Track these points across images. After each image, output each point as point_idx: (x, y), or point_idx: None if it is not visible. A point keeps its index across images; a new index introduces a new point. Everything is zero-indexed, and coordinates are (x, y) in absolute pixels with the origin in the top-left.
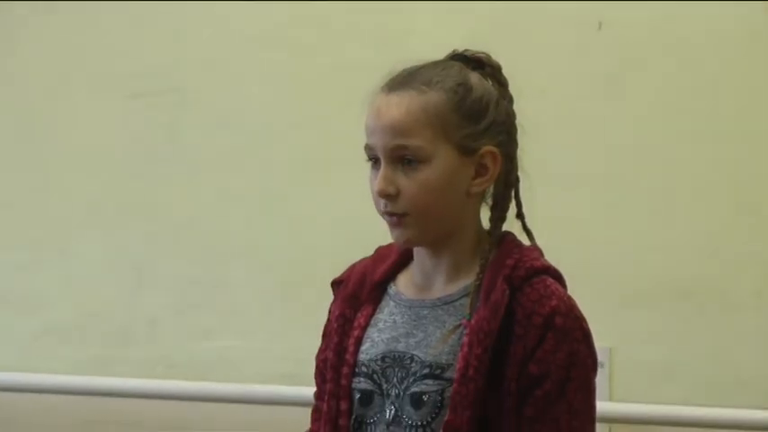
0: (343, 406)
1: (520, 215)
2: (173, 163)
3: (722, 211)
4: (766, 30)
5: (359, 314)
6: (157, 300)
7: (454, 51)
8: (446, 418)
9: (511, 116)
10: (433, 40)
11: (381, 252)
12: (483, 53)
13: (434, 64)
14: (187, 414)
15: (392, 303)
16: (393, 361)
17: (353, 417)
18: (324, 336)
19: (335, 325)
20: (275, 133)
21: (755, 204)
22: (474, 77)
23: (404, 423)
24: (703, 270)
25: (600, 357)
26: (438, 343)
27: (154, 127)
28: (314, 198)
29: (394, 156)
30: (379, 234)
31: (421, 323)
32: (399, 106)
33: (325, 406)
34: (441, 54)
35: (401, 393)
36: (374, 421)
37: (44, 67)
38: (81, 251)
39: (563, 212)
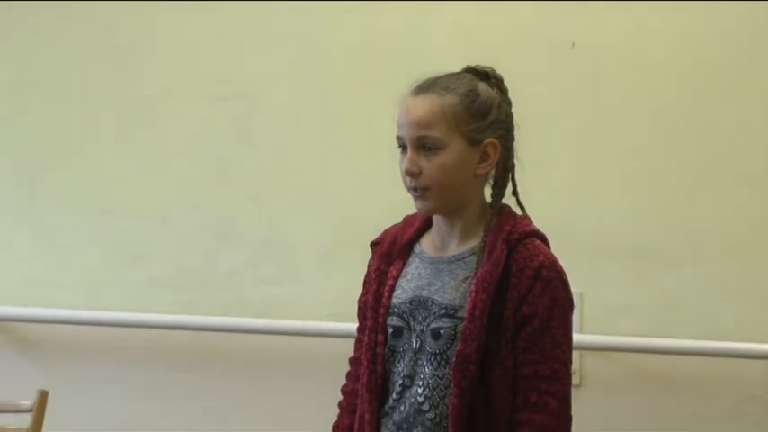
0: (380, 338)
1: (515, 193)
2: (248, 148)
3: (670, 188)
4: (712, 45)
5: (392, 268)
6: (235, 255)
7: (467, 66)
8: (458, 347)
9: (509, 116)
10: (446, 56)
11: (408, 220)
12: (489, 68)
13: (451, 74)
14: (256, 345)
15: (417, 260)
16: (418, 304)
17: (387, 346)
18: (364, 284)
19: (374, 276)
20: (328, 127)
21: (696, 185)
22: (481, 86)
23: (426, 351)
24: (655, 233)
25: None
26: (452, 290)
27: (235, 121)
28: (356, 178)
29: (418, 144)
30: (406, 206)
31: (439, 275)
32: (423, 106)
33: (365, 338)
34: (451, 66)
35: (424, 329)
36: (403, 350)
37: (155, 75)
38: (177, 218)
39: (548, 189)
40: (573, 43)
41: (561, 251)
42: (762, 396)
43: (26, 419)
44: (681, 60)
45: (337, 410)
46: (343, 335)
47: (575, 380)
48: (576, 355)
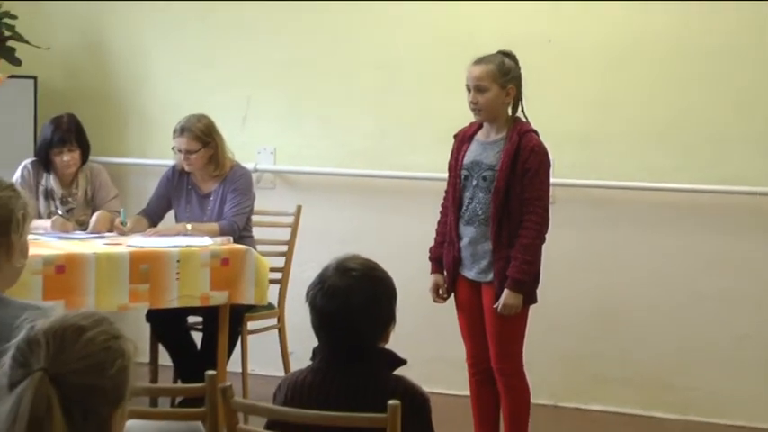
0: (457, 180)
1: (522, 111)
2: (393, 89)
3: (599, 108)
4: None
5: (463, 146)
6: (391, 141)
7: (499, 50)
8: (495, 184)
9: (519, 75)
10: (484, 43)
11: (472, 124)
12: (509, 50)
13: (491, 54)
14: (400, 185)
15: (475, 143)
16: (475, 164)
17: (462, 184)
18: (451, 155)
19: (455, 151)
20: (434, 78)
21: (608, 107)
22: (506, 59)
23: (480, 186)
24: (592, 129)
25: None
26: (492, 157)
27: (384, 81)
28: (451, 105)
29: (476, 88)
30: (470, 117)
31: (485, 150)
32: (478, 69)
33: (451, 180)
34: (490, 47)
35: (478, 176)
36: (468, 186)
37: (335, 52)
38: (362, 122)
39: (539, 109)
40: (549, 39)
41: (548, 138)
42: (649, 210)
43: (290, 219)
44: (627, 47)
45: (439, 216)
46: (443, 179)
47: (552, 200)
48: (553, 189)
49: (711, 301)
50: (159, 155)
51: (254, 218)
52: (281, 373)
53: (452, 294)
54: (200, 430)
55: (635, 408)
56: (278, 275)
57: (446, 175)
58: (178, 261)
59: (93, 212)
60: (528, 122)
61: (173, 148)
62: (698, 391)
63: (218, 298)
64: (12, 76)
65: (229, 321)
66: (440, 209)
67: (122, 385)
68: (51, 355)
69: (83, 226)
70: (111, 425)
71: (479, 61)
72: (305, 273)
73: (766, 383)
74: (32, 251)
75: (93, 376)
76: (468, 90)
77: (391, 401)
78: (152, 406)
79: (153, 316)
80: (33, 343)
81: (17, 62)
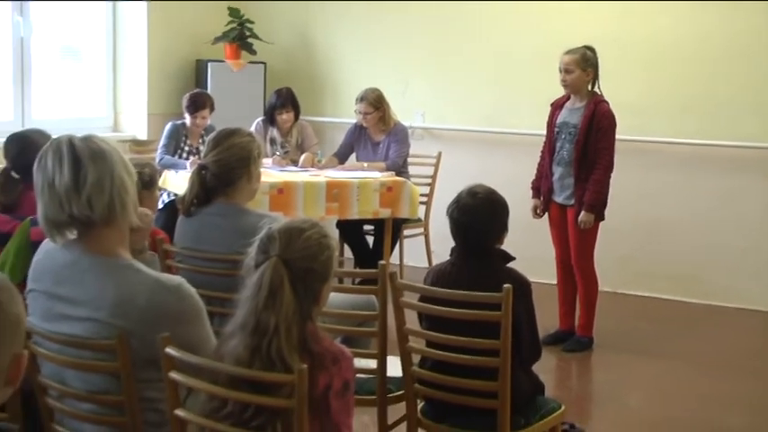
0: (552, 134)
1: (599, 87)
2: (504, 75)
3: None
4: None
5: (556, 112)
6: (494, 105)
7: (583, 45)
8: (577, 137)
9: (597, 62)
10: (568, 40)
11: (563, 96)
12: (589, 45)
13: (579, 47)
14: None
15: (564, 109)
16: (564, 124)
17: (555, 138)
18: (548, 117)
19: (551, 114)
20: (540, 65)
21: (650, 86)
22: (588, 51)
23: (567, 140)
24: (643, 103)
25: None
26: (576, 119)
27: (500, 65)
28: (550, 85)
29: (565, 70)
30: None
31: (571, 114)
32: (568, 57)
33: (548, 134)
34: (574, 43)
35: (566, 132)
36: (559, 138)
37: (465, 45)
38: (479, 94)
39: (609, 86)
40: (615, 39)
41: (614, 107)
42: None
43: (434, 161)
44: (657, 47)
45: (539, 159)
46: (538, 135)
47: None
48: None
49: (725, 221)
50: (346, 115)
51: (410, 159)
52: (426, 265)
53: (546, 213)
54: (374, 301)
55: (671, 295)
56: (425, 199)
57: (541, 132)
58: (358, 187)
59: (301, 154)
60: (602, 95)
61: (355, 111)
62: (716, 283)
63: (385, 213)
64: (250, 62)
65: (392, 229)
66: (539, 154)
67: (328, 268)
68: (283, 246)
69: (294, 163)
70: (321, 295)
71: (569, 51)
72: (443, 197)
73: (761, 279)
74: (262, 179)
75: (310, 261)
76: (560, 71)
77: (505, 285)
78: (340, 284)
79: (341, 224)
80: (271, 238)
81: (253, 53)
